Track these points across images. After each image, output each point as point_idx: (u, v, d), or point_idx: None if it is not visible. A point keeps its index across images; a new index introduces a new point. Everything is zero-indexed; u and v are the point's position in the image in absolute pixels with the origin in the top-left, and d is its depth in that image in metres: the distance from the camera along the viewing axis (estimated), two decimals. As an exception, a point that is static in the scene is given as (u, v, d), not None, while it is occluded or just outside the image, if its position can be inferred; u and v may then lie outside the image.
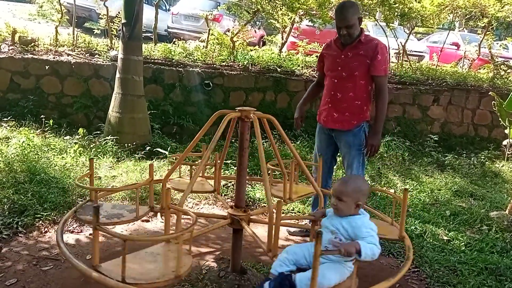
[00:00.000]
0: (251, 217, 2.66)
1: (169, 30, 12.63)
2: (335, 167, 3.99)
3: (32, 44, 6.77)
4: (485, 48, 9.36)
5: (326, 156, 3.65)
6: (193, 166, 3.24)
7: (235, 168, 5.03)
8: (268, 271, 3.09)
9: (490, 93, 7.22)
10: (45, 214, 3.60)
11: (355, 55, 3.32)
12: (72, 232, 3.52)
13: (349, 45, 3.34)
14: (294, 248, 2.22)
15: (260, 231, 3.78)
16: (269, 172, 3.03)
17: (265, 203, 4.44)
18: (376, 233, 2.07)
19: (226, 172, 5.09)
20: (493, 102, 7.08)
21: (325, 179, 3.63)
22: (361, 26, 3.38)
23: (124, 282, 1.76)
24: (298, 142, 6.36)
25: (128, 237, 1.81)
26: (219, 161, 3.13)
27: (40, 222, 3.54)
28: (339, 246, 1.97)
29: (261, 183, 3.25)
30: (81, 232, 3.56)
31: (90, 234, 3.50)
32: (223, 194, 4.56)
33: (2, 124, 5.68)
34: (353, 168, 3.44)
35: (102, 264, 1.89)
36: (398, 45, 8.81)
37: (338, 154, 3.71)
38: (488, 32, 8.96)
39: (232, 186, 4.72)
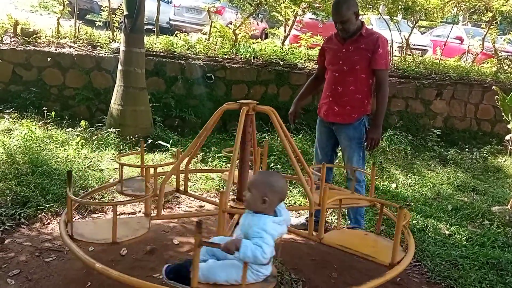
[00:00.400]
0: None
1: (171, 22, 12.58)
2: (336, 160, 4.00)
3: (34, 36, 6.76)
4: (488, 42, 9.31)
5: (326, 149, 3.67)
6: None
7: (237, 161, 5.07)
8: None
9: (493, 87, 7.19)
10: (47, 206, 3.61)
11: (356, 48, 3.31)
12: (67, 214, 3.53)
13: (350, 39, 3.33)
14: (214, 240, 2.11)
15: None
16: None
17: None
18: (272, 237, 1.89)
19: (228, 165, 5.08)
20: (496, 96, 7.05)
21: (326, 173, 3.62)
22: (362, 20, 3.38)
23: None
24: (300, 136, 6.35)
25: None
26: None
27: (43, 213, 3.55)
28: (224, 242, 1.85)
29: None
30: (81, 218, 3.57)
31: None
32: (224, 188, 4.55)
33: (4, 116, 5.68)
34: (353, 162, 3.44)
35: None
36: (402, 38, 8.77)
37: (339, 147, 3.72)
38: (492, 26, 8.91)
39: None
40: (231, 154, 2.65)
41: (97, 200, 3.94)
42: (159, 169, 3.25)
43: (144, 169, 2.67)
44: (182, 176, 3.21)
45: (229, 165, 5.04)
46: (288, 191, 4.60)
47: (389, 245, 2.40)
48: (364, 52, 3.28)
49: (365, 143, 3.41)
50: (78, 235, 2.32)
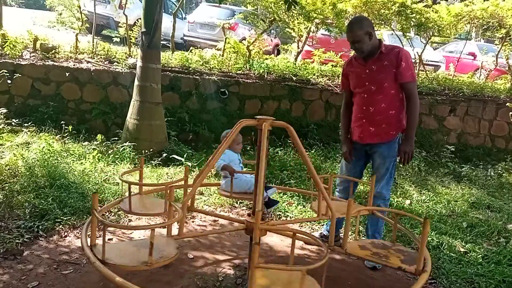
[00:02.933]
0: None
1: (185, 38, 12.78)
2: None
3: (53, 51, 6.92)
4: (502, 58, 9.28)
5: (355, 170, 3.64)
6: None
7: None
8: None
9: (507, 104, 7.17)
10: (65, 218, 3.67)
11: (380, 67, 3.31)
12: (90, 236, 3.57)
13: (371, 58, 3.34)
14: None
15: (275, 239, 3.81)
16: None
17: (280, 212, 4.47)
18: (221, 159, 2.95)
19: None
20: (510, 113, 7.03)
21: (351, 188, 3.63)
22: (378, 38, 3.40)
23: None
24: (313, 151, 6.37)
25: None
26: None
27: (60, 226, 3.61)
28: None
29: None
30: (99, 237, 3.61)
31: (109, 239, 3.56)
32: (239, 203, 4.59)
33: (23, 129, 5.80)
34: (384, 180, 3.42)
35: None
36: (414, 55, 8.79)
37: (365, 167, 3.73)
38: (505, 43, 8.89)
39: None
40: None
41: (113, 214, 3.99)
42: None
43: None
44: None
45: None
46: (302, 206, 4.61)
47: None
48: (389, 68, 3.28)
49: (398, 158, 3.40)
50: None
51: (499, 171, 6.67)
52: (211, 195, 4.71)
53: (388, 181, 3.47)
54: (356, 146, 3.59)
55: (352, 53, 3.95)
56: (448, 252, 3.78)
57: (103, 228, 2.43)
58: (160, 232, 3.10)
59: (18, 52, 6.74)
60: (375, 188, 3.38)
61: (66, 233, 3.56)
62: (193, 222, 4.15)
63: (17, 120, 5.99)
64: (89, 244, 2.40)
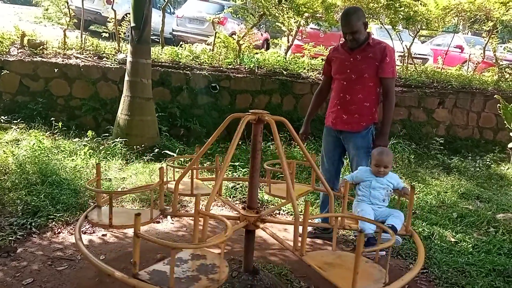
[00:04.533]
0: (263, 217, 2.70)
1: (174, 33, 12.71)
2: (342, 169, 4.03)
3: (41, 47, 6.84)
4: (489, 51, 9.39)
5: (333, 158, 3.70)
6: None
7: (243, 170, 5.12)
8: (278, 271, 3.15)
9: (495, 96, 7.27)
10: (58, 215, 3.66)
11: (364, 57, 3.37)
12: (85, 233, 3.56)
13: (358, 48, 3.39)
14: (368, 209, 2.78)
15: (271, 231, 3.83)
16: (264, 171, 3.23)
17: (273, 204, 4.49)
18: None
19: (234, 174, 5.13)
20: (498, 105, 7.13)
21: (333, 181, 3.66)
22: (367, 30, 3.44)
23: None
24: (304, 145, 6.39)
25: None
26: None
27: (53, 223, 3.60)
28: (403, 190, 2.83)
29: (266, 184, 3.30)
30: (94, 232, 3.61)
31: (102, 235, 3.56)
32: (231, 196, 4.61)
33: (12, 126, 5.74)
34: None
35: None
36: (403, 48, 8.85)
37: (345, 156, 3.76)
38: (493, 36, 8.99)
39: (241, 188, 4.77)
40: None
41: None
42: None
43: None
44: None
45: (235, 174, 5.10)
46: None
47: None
48: (372, 60, 3.34)
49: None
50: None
51: (488, 162, 6.77)
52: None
53: None
54: (332, 134, 3.66)
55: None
56: (439, 242, 3.84)
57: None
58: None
59: (5, 48, 6.66)
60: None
61: (59, 230, 3.55)
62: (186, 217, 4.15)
63: (5, 117, 5.94)
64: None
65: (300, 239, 2.30)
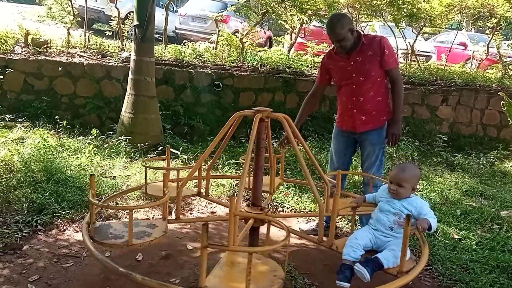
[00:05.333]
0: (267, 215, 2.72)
1: (177, 31, 12.73)
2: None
3: (45, 46, 6.87)
4: (493, 48, 9.37)
5: (344, 157, 3.70)
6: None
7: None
8: (282, 268, 3.16)
9: (499, 93, 7.23)
10: (63, 212, 3.68)
11: (365, 57, 3.36)
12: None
13: (354, 51, 3.37)
14: (361, 234, 2.51)
15: (274, 229, 3.85)
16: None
17: (276, 202, 4.50)
18: None
19: (238, 172, 5.14)
20: (502, 102, 7.09)
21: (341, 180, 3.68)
22: (357, 30, 3.43)
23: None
24: (307, 143, 6.40)
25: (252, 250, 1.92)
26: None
27: (59, 220, 3.62)
28: (416, 223, 2.36)
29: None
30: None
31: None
32: (235, 194, 4.62)
33: (17, 124, 5.77)
34: (374, 167, 3.48)
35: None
36: (407, 45, 8.84)
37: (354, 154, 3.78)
38: (496, 32, 8.96)
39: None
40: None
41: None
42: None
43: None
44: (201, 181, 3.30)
45: (239, 171, 5.11)
46: (298, 197, 4.65)
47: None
48: (374, 58, 3.34)
49: (386, 141, 3.47)
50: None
51: (491, 160, 6.76)
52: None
53: (379, 168, 3.52)
54: (345, 135, 3.64)
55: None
56: (443, 239, 3.85)
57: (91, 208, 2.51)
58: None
59: (10, 47, 6.68)
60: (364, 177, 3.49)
61: (65, 227, 3.57)
62: (191, 214, 4.18)
63: (10, 115, 5.97)
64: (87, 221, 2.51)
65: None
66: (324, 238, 2.71)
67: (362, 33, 3.46)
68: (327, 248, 2.63)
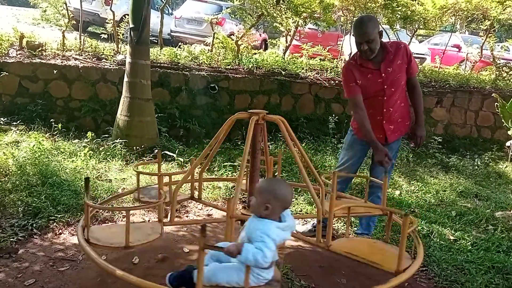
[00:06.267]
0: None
1: (172, 34, 12.72)
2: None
3: (40, 49, 6.85)
4: (487, 50, 9.43)
5: (357, 164, 3.72)
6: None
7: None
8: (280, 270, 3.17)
9: (493, 94, 7.30)
10: (59, 216, 3.66)
11: (395, 67, 3.27)
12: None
13: (383, 61, 3.26)
14: (219, 245, 2.15)
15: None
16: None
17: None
18: (274, 242, 1.96)
19: (234, 174, 5.14)
20: (496, 103, 7.16)
21: (347, 183, 3.84)
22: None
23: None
24: (303, 145, 6.41)
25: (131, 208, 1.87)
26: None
27: (54, 224, 3.60)
28: (228, 246, 1.92)
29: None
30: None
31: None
32: (232, 196, 4.62)
33: (12, 128, 5.75)
34: (389, 173, 3.52)
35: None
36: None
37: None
38: (490, 34, 9.03)
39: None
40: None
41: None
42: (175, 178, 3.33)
43: (158, 177, 2.75)
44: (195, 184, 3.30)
45: (235, 174, 5.12)
46: (294, 199, 4.65)
47: (396, 253, 2.41)
48: (403, 66, 3.29)
49: (412, 145, 3.55)
50: (93, 239, 2.43)
51: (486, 161, 6.80)
52: (204, 189, 4.73)
53: (390, 172, 3.62)
54: (362, 144, 3.58)
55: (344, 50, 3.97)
56: (438, 240, 3.87)
57: (86, 210, 2.51)
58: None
59: (4, 50, 6.66)
60: (379, 179, 3.34)
61: (60, 231, 3.56)
62: (187, 217, 4.17)
63: (5, 119, 5.94)
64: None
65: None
66: (322, 240, 2.72)
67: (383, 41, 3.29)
68: (325, 249, 2.65)
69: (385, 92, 3.32)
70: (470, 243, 3.87)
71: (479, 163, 6.67)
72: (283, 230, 2.05)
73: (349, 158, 3.71)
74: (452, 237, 3.99)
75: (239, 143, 6.20)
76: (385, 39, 3.48)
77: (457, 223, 4.34)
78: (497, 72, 8.92)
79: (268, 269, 2.03)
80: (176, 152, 5.60)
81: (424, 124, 3.56)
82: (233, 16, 9.12)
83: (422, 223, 4.21)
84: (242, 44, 8.18)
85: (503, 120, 7.02)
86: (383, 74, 3.27)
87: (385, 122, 3.42)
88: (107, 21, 7.81)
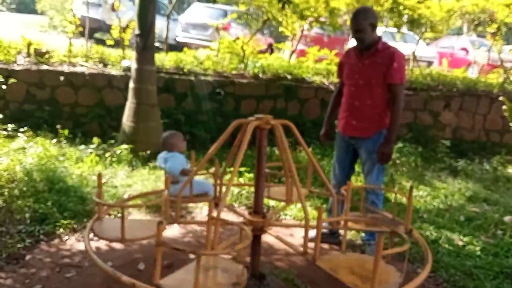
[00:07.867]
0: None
1: (177, 39, 12.78)
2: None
3: (47, 56, 6.90)
4: (494, 52, 9.37)
5: (344, 164, 3.69)
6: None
7: (248, 175, 5.12)
8: (285, 277, 3.14)
9: (500, 98, 7.23)
10: (65, 222, 3.68)
11: (371, 63, 3.33)
12: (91, 240, 3.58)
13: (367, 53, 3.35)
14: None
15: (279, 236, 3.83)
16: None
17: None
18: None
19: (240, 179, 5.13)
20: (504, 107, 7.09)
21: (340, 187, 3.66)
22: (379, 35, 3.38)
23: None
24: (310, 149, 6.38)
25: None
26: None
27: (61, 230, 3.62)
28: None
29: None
30: (102, 238, 3.62)
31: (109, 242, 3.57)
32: (238, 202, 4.62)
33: (19, 134, 5.78)
34: (373, 174, 3.46)
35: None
36: (408, 51, 8.84)
37: (355, 163, 3.76)
38: (497, 37, 8.97)
39: (246, 194, 4.77)
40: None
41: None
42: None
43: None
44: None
45: (241, 179, 5.11)
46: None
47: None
48: (380, 66, 3.29)
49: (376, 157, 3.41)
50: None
51: (494, 165, 6.74)
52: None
53: (378, 176, 3.48)
54: (345, 140, 3.63)
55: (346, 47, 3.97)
56: (446, 246, 3.83)
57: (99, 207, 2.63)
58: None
59: (13, 57, 6.71)
60: (366, 183, 3.50)
61: (67, 237, 3.57)
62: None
63: (12, 125, 5.97)
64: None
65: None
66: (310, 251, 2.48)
67: (382, 40, 3.37)
68: (311, 262, 2.41)
69: (354, 82, 3.42)
70: (478, 248, 3.82)
71: (487, 167, 6.61)
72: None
73: (336, 158, 3.75)
74: (460, 243, 3.95)
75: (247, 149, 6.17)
76: (391, 42, 3.48)
77: (465, 228, 4.30)
78: (505, 75, 8.85)
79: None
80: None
81: (393, 142, 3.40)
82: (238, 21, 9.13)
83: (430, 228, 4.17)
84: (247, 49, 8.19)
85: (511, 124, 6.95)
86: (360, 64, 3.39)
87: (349, 113, 3.50)
88: (112, 27, 7.86)
